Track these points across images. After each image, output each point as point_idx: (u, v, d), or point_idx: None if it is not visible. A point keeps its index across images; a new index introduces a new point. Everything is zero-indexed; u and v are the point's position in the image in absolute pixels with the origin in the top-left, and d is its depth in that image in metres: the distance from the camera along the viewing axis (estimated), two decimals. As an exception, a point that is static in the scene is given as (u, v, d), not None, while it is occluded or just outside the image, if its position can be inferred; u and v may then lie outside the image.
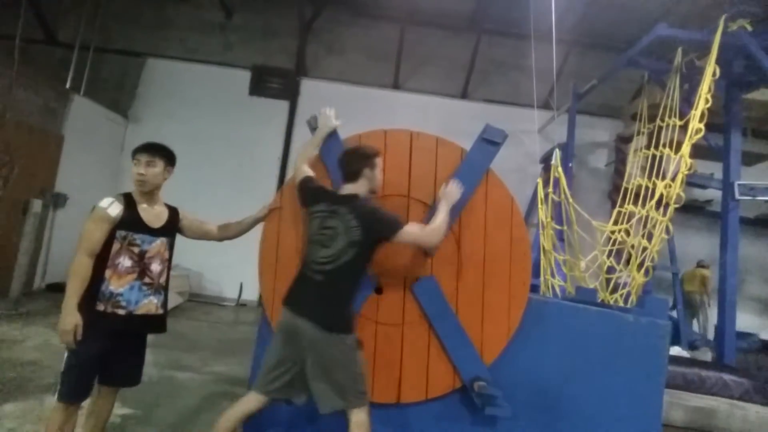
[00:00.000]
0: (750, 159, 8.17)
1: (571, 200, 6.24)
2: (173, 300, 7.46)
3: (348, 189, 2.31)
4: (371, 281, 2.54)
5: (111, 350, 2.25)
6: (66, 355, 2.21)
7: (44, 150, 7.23)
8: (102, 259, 2.22)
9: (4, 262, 6.42)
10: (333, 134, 2.66)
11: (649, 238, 5.64)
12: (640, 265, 5.58)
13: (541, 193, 7.09)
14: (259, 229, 2.72)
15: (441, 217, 2.29)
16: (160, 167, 2.38)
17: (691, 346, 7.43)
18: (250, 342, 2.69)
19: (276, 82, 9.88)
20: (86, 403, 2.34)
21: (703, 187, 7.69)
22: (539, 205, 6.97)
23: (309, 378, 2.13)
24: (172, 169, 2.48)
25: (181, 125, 9.23)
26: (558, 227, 6.32)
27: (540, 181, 7.37)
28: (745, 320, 7.34)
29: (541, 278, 6.11)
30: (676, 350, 6.57)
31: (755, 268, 8.75)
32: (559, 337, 2.61)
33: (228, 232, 2.69)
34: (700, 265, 8.43)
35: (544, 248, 6.14)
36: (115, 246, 2.25)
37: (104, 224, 2.22)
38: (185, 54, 9.83)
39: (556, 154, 6.40)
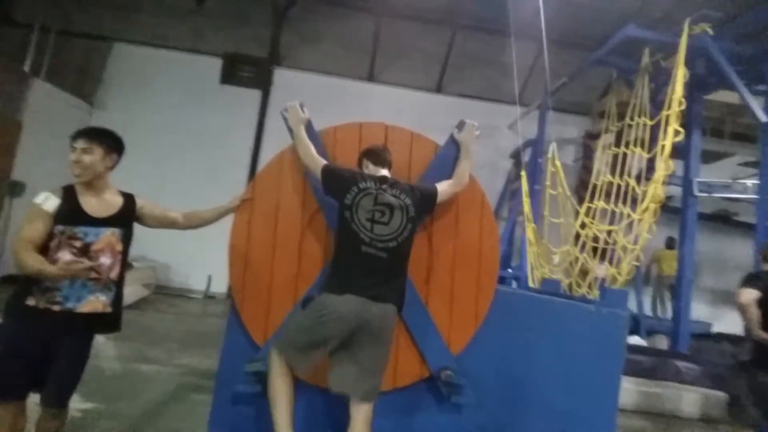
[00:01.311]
0: (708, 157, 8.52)
1: (569, 194, 6.38)
2: (138, 292, 7.29)
3: (383, 173, 2.42)
4: None
5: (42, 352, 2.06)
6: None
7: (1, 135, 6.90)
8: (41, 255, 2.05)
9: (-43, 252, 6.12)
10: (308, 127, 2.63)
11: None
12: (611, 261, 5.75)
13: (525, 187, 7.23)
14: (226, 220, 2.66)
15: (465, 163, 2.56)
16: (98, 154, 2.19)
17: (649, 334, 7.77)
18: (218, 334, 2.66)
19: (248, 71, 9.69)
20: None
21: (665, 183, 7.98)
22: (524, 198, 7.10)
23: (346, 354, 2.16)
24: (118, 157, 2.30)
25: (149, 113, 8.96)
26: (555, 220, 6.48)
27: (524, 174, 7.49)
28: (700, 310, 7.70)
29: (528, 270, 6.27)
30: (635, 339, 6.85)
31: (711, 261, 9.17)
32: (524, 327, 2.69)
33: (195, 221, 2.56)
34: (671, 246, 8.60)
35: (530, 240, 6.33)
36: (54, 241, 2.09)
37: (40, 220, 2.07)
38: (154, 39, 9.51)
39: (553, 149, 6.52)
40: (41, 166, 7.49)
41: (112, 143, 2.27)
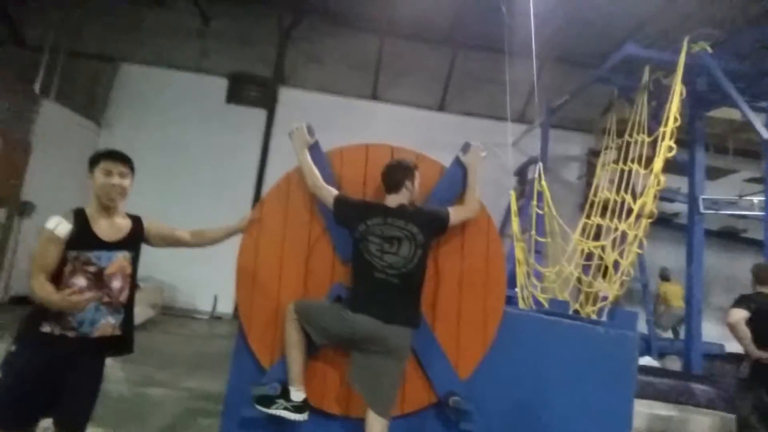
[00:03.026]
0: (713, 174, 8.53)
1: (554, 213, 6.39)
2: (145, 313, 7.27)
3: (393, 200, 2.49)
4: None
5: (58, 378, 2.04)
6: None
7: (10, 156, 6.99)
8: (55, 281, 2.05)
9: (-35, 273, 6.16)
10: (315, 148, 2.66)
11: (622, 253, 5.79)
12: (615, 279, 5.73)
13: (514, 206, 7.25)
14: (233, 240, 2.67)
15: (473, 190, 2.60)
16: (130, 179, 2.25)
17: (661, 355, 7.65)
18: (225, 356, 2.65)
19: (254, 90, 9.82)
20: None
21: (670, 200, 7.98)
22: (513, 217, 7.12)
23: (361, 357, 2.32)
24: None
25: (156, 132, 9.07)
26: (541, 239, 6.46)
27: (513, 193, 7.53)
28: (711, 330, 7.59)
29: (518, 290, 6.21)
30: (646, 360, 6.75)
31: (719, 279, 9.09)
32: (533, 350, 2.66)
33: (203, 239, 2.57)
34: (667, 277, 8.66)
35: (518, 260, 6.26)
36: (68, 267, 2.08)
37: (53, 247, 2.06)
38: (161, 60, 9.67)
39: (539, 169, 6.56)
40: (50, 186, 7.59)
41: (133, 167, 2.31)
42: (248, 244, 2.65)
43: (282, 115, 9.60)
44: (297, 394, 2.34)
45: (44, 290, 2.00)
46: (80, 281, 2.08)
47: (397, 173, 2.51)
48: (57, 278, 2.07)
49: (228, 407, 2.54)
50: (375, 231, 2.38)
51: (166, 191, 8.53)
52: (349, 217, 2.45)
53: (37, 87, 8.18)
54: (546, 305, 5.53)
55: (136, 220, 2.35)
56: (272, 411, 2.30)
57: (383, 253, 2.36)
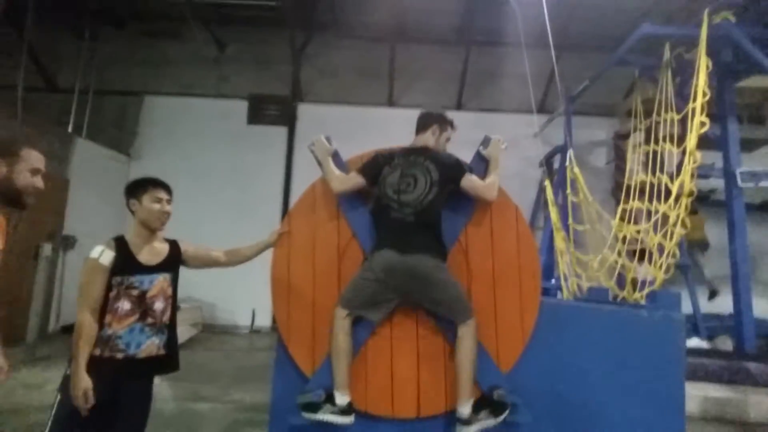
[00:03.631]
0: (750, 145, 8.17)
1: (591, 199, 6.26)
2: (187, 332, 7.48)
3: (419, 140, 2.66)
4: None
5: (109, 399, 2.12)
6: (56, 402, 2.10)
7: (51, 194, 7.35)
8: (102, 308, 2.17)
9: (19, 307, 6.48)
10: (336, 156, 2.72)
11: (664, 235, 5.62)
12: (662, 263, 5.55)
13: (551, 195, 7.12)
14: (266, 254, 2.74)
15: (493, 176, 2.61)
16: (172, 204, 2.39)
17: (710, 336, 7.33)
18: (267, 368, 2.71)
19: (273, 109, 10.02)
20: None
21: (706, 177, 7.68)
22: (551, 206, 7.00)
23: (421, 299, 2.47)
24: None
25: (182, 159, 9.36)
26: (579, 227, 6.33)
27: (548, 183, 7.39)
28: (761, 305, 7.23)
29: (561, 280, 6.10)
30: (695, 342, 6.49)
31: (765, 253, 8.67)
32: (574, 339, 2.62)
33: (237, 257, 2.65)
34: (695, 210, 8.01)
35: (560, 250, 6.17)
36: (113, 292, 2.19)
37: (99, 275, 2.17)
38: (182, 89, 10.00)
39: (570, 155, 6.44)
40: (88, 218, 7.93)
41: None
42: (280, 255, 2.71)
43: (302, 131, 9.76)
44: (342, 398, 2.37)
45: (81, 343, 2.11)
46: (126, 305, 2.19)
47: (429, 117, 2.69)
48: (103, 304, 2.17)
49: (274, 417, 2.59)
50: (396, 169, 2.52)
51: (196, 214, 8.75)
52: (374, 167, 2.60)
53: (69, 127, 8.61)
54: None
55: (174, 244, 2.45)
56: (319, 416, 2.33)
57: (399, 193, 2.48)
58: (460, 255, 2.63)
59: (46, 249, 6.57)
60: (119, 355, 2.16)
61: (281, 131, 9.84)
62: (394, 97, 10.15)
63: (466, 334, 2.39)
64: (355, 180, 2.60)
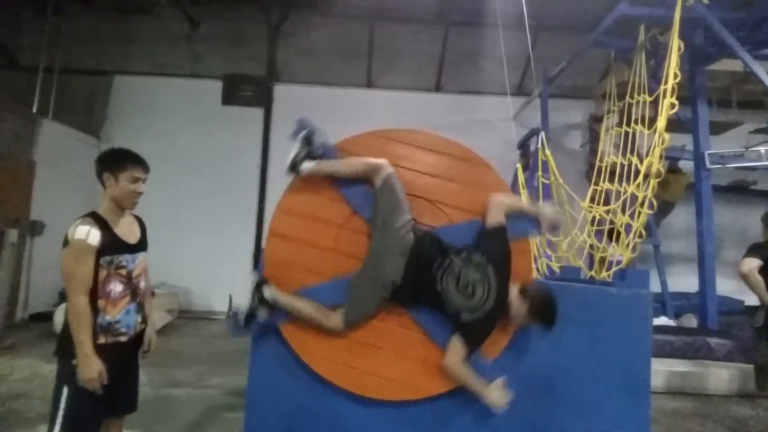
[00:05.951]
0: (718, 128, 8.39)
1: (561, 181, 6.36)
2: (163, 319, 7.38)
3: None
4: None
5: (115, 380, 2.14)
6: (65, 396, 2.04)
7: (16, 178, 7.07)
8: (91, 291, 2.07)
9: (-15, 295, 6.28)
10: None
11: (632, 215, 5.77)
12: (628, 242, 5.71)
13: (521, 178, 7.21)
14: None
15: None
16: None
17: (677, 315, 7.62)
18: (243, 353, 2.69)
19: (248, 90, 9.80)
20: None
21: (676, 159, 7.87)
22: (521, 189, 7.09)
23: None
24: None
25: (155, 140, 9.06)
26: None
27: (520, 165, 7.49)
28: (726, 285, 7.53)
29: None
30: (662, 320, 6.74)
31: (731, 234, 8.99)
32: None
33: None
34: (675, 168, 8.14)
35: None
36: (102, 273, 2.09)
37: (88, 256, 2.05)
38: (153, 68, 9.67)
39: (542, 138, 6.51)
40: (56, 203, 7.66)
41: None
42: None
43: (279, 112, 9.58)
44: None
45: (82, 326, 2.02)
46: (117, 287, 2.15)
47: None
48: (92, 288, 2.10)
49: (250, 399, 2.58)
50: (451, 272, 2.40)
51: (173, 197, 8.57)
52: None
53: (34, 107, 8.25)
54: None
55: (140, 221, 2.43)
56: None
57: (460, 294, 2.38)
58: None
59: (12, 235, 6.36)
60: (123, 339, 2.19)
61: (257, 112, 9.64)
62: (373, 77, 10.03)
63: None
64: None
